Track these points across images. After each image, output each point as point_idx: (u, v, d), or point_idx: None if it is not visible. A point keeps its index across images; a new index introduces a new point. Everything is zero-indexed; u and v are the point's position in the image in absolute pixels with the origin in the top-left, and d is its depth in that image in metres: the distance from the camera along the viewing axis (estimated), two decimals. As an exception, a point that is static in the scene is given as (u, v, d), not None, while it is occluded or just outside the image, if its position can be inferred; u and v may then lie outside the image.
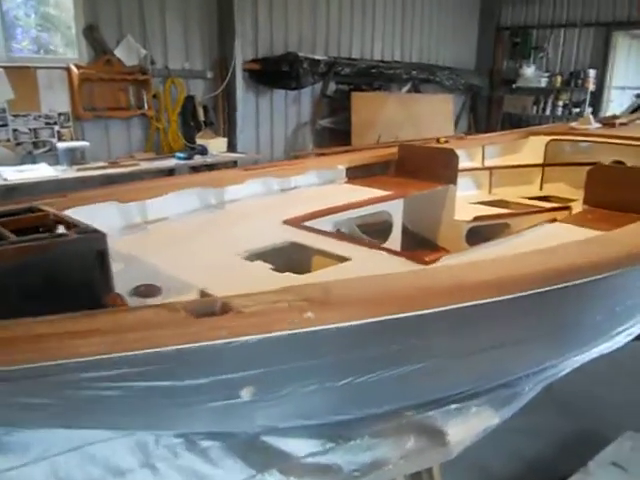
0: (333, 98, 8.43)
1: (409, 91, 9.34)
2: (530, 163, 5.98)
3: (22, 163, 5.56)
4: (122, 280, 2.07)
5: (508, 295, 1.86)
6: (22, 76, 5.57)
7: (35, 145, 5.73)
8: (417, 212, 5.05)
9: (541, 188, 6.01)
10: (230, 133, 7.06)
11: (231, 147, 7.01)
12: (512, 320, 2.04)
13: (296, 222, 3.31)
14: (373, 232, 4.71)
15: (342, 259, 2.72)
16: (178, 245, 2.89)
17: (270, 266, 2.58)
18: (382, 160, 5.20)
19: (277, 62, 7.32)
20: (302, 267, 2.82)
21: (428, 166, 4.91)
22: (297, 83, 7.29)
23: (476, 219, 4.57)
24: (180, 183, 3.60)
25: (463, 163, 5.99)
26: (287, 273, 2.49)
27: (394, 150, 5.20)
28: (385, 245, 4.29)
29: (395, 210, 4.33)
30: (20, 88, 5.56)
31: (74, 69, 5.77)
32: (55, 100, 5.80)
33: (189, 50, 6.81)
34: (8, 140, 5.59)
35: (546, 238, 2.86)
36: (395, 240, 4.37)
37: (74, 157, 5.36)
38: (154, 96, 6.48)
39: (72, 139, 5.88)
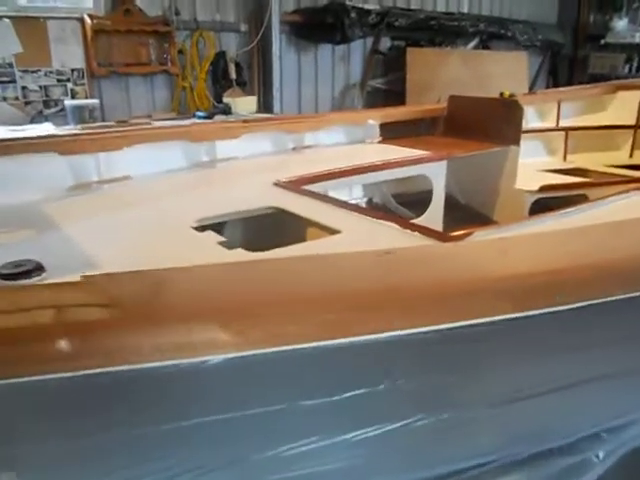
0: (387, 55, 7.49)
1: (476, 47, 8.21)
2: (618, 124, 4.85)
3: (32, 123, 5.07)
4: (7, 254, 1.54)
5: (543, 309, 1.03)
6: (31, 28, 5.06)
7: (46, 104, 5.23)
8: (467, 179, 4.16)
9: (631, 155, 4.91)
10: (265, 92, 6.32)
11: (267, 108, 6.27)
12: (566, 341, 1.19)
13: (290, 185, 2.53)
14: (413, 203, 3.87)
15: (329, 231, 1.94)
16: (123, 212, 2.22)
17: (220, 239, 1.84)
18: (428, 116, 4.30)
19: (321, 13, 6.48)
20: (274, 240, 2.11)
21: (484, 123, 3.98)
22: (342, 36, 6.42)
23: (544, 189, 3.63)
24: (160, 134, 2.90)
25: (532, 123, 4.99)
26: (238, 249, 1.74)
27: (443, 105, 4.29)
28: (422, 219, 3.46)
29: (436, 175, 3.46)
30: (29, 41, 5.05)
31: (88, 20, 5.18)
32: (68, 55, 5.26)
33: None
34: (16, 98, 5.12)
35: (628, 211, 1.98)
36: (435, 213, 3.52)
37: (82, 116, 4.80)
38: (180, 52, 5.83)
39: (87, 97, 5.33)
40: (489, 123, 3.94)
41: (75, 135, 2.77)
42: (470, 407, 1.19)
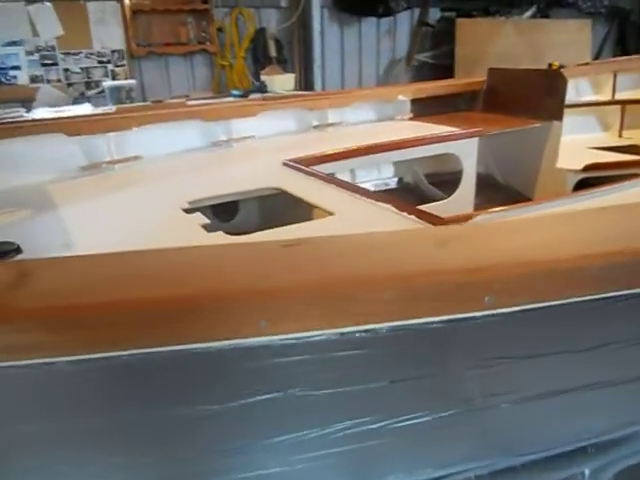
0: (436, 27, 7.16)
1: (534, 16, 7.73)
2: (684, 96, 4.45)
3: (75, 104, 5.17)
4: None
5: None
6: (71, 10, 5.14)
7: (88, 85, 5.32)
8: (506, 157, 3.92)
9: (698, 132, 4.46)
10: (306, 70, 6.19)
11: (307, 85, 6.15)
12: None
13: (299, 165, 2.43)
14: (446, 183, 3.68)
15: (324, 213, 1.84)
16: (121, 193, 2.19)
17: (205, 221, 1.77)
18: (467, 91, 4.05)
19: (363, -16, 6.25)
20: (275, 221, 2.03)
21: (525, 96, 3.72)
22: (385, 8, 6.18)
23: (588, 168, 3.35)
24: (173, 113, 2.85)
25: (585, 96, 4.65)
26: (219, 232, 1.66)
27: (483, 79, 4.03)
28: (451, 200, 3.28)
29: (465, 153, 3.26)
30: (69, 23, 5.15)
31: (127, 0, 5.20)
32: (107, 36, 5.33)
33: (260, -26, 5.98)
34: (59, 80, 5.24)
35: None
36: (465, 193, 3.33)
37: (120, 96, 4.85)
38: (219, 29, 5.77)
39: (127, 78, 5.38)
40: (530, 97, 3.68)
41: (85, 116, 2.76)
42: (432, 412, 1.07)
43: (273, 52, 5.98)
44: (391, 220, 1.72)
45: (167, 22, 5.48)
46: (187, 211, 1.93)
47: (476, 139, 3.26)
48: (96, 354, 0.83)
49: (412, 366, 0.95)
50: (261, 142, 3.03)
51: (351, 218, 1.79)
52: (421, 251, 0.95)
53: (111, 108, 4.83)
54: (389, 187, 3.80)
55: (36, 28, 5.06)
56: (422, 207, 3.20)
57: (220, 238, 1.64)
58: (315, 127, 3.31)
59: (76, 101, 5.29)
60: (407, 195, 3.78)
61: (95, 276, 0.91)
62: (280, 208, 2.21)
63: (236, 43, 5.88)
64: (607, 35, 8.90)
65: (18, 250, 1.59)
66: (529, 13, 7.66)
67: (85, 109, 4.85)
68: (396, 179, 3.85)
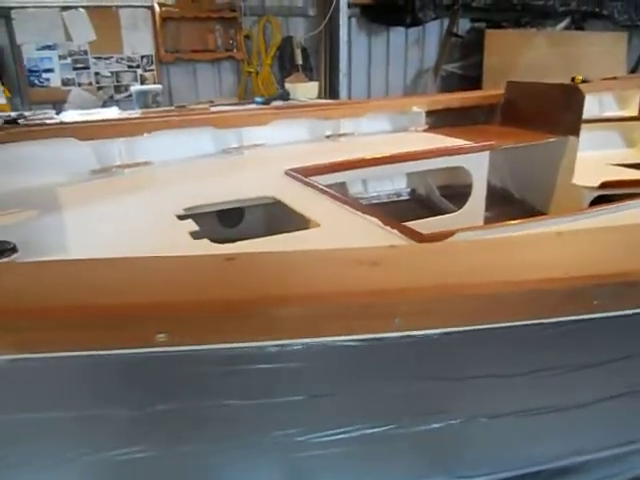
0: (465, 38, 7.13)
1: (567, 28, 7.61)
2: None
3: (104, 107, 5.34)
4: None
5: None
6: (104, 16, 5.31)
7: (117, 89, 5.48)
8: (522, 171, 3.89)
9: None
10: (332, 78, 6.24)
11: (333, 93, 6.20)
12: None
13: (300, 174, 2.47)
14: (459, 195, 3.66)
15: (309, 224, 1.87)
16: (122, 198, 2.27)
17: (193, 229, 1.82)
18: (485, 104, 4.03)
19: (392, -6, 6.26)
20: (268, 229, 2.07)
21: (542, 110, 3.68)
22: (412, 18, 6.18)
23: (605, 185, 3.30)
24: (185, 120, 2.93)
25: (610, 111, 4.58)
26: (204, 240, 1.71)
27: (501, 92, 4.00)
28: (459, 214, 3.27)
29: (475, 167, 3.24)
30: (102, 29, 5.32)
31: (157, 8, 5.35)
32: (138, 42, 5.47)
33: (289, -17, 6.06)
34: (90, 84, 5.42)
35: None
36: (474, 207, 3.31)
37: (146, 100, 4.98)
38: (247, 37, 5.88)
39: (155, 83, 5.53)
40: (547, 111, 3.64)
41: (98, 121, 2.85)
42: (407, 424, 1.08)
43: (299, 60, 6.05)
44: (374, 234, 1.74)
45: (196, 29, 5.60)
46: (181, 217, 1.99)
47: (487, 153, 3.24)
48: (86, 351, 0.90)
49: (330, 382, 0.97)
50: (271, 150, 3.07)
51: (335, 230, 1.81)
52: (345, 271, 0.97)
53: (137, 111, 4.97)
54: (401, 198, 3.81)
55: (70, 33, 5.24)
56: (433, 219, 3.22)
57: (202, 246, 1.69)
58: (328, 137, 3.35)
59: (105, 104, 5.45)
60: (418, 207, 3.79)
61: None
62: (278, 217, 2.26)
63: (263, 51, 5.97)
64: (645, 48, 8.69)
65: (14, 249, 1.68)
66: (562, 25, 7.55)
67: (112, 112, 5.00)
68: (409, 190, 3.86)
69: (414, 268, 0.99)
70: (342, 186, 3.49)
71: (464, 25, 7.27)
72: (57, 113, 4.94)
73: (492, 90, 4.14)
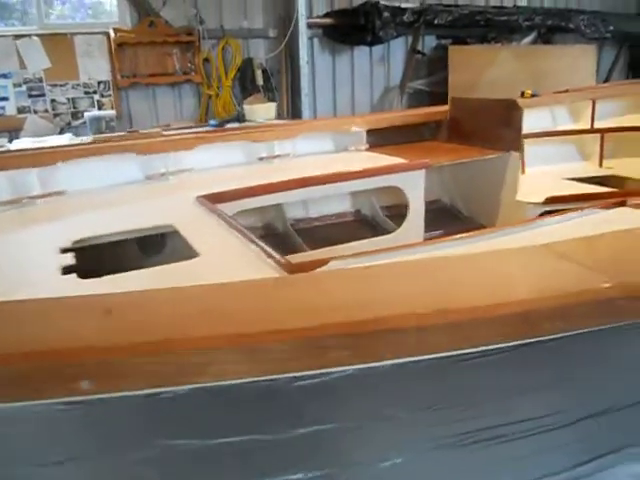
0: (431, 55, 7.13)
1: (534, 42, 7.61)
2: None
3: (61, 134, 5.30)
4: None
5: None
6: (58, 43, 5.31)
7: (74, 116, 5.45)
8: (468, 188, 3.83)
9: (685, 162, 4.29)
10: (294, 98, 6.22)
11: (295, 114, 6.17)
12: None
13: (210, 200, 2.40)
14: (403, 215, 3.60)
15: (190, 255, 1.80)
16: (22, 228, 2.19)
17: (68, 262, 1.75)
18: (431, 120, 3.98)
19: (352, 14, 6.27)
20: (161, 259, 2.00)
21: (483, 126, 3.64)
22: (373, 37, 6.17)
23: (549, 201, 3.24)
24: (104, 148, 2.87)
25: (563, 124, 4.53)
26: (72, 275, 1.64)
27: (446, 109, 3.96)
28: (395, 235, 3.20)
29: (411, 186, 3.18)
30: (56, 56, 5.31)
31: (112, 33, 5.34)
32: (94, 68, 5.47)
33: (248, 6, 6.06)
34: (46, 111, 5.39)
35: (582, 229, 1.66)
36: (412, 227, 3.24)
37: (99, 126, 4.94)
38: (206, 60, 5.86)
39: (112, 108, 5.50)
40: (488, 127, 3.60)
41: (14, 151, 2.80)
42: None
43: (260, 81, 6.03)
44: (250, 266, 1.67)
45: (153, 54, 5.60)
46: (65, 250, 1.92)
47: (422, 172, 3.18)
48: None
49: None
50: (198, 176, 3.02)
51: (210, 262, 1.74)
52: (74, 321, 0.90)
53: (89, 138, 4.94)
54: (345, 219, 3.74)
55: (24, 61, 5.23)
56: (366, 241, 3.14)
57: (68, 282, 1.62)
58: (260, 159, 3.29)
59: (62, 131, 5.42)
60: (362, 227, 3.72)
61: None
62: (175, 247, 2.19)
63: (222, 73, 5.95)
64: (616, 59, 8.69)
65: None
66: (528, 39, 7.55)
67: (65, 139, 4.96)
68: (353, 211, 3.79)
69: (149, 312, 0.92)
70: (278, 208, 3.44)
71: (430, 42, 7.27)
72: (9, 141, 4.90)
73: (437, 107, 4.11)
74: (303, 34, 6.05)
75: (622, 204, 2.27)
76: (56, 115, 5.44)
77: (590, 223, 1.88)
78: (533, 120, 4.23)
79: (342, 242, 2.98)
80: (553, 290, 0.91)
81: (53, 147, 2.87)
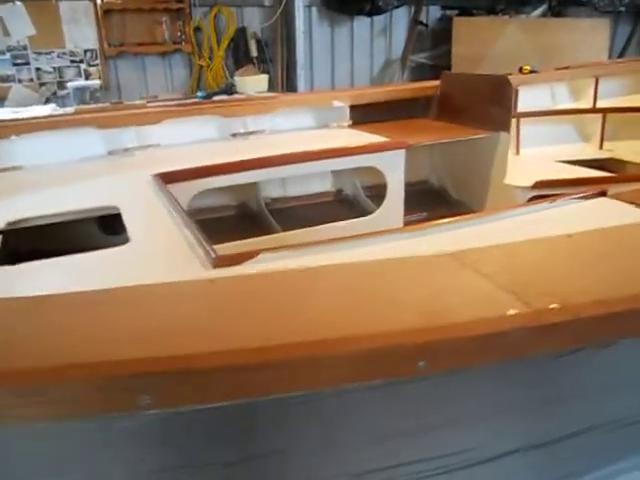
0: (435, 27, 6.86)
1: (544, 15, 7.28)
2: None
3: (47, 104, 5.15)
4: None
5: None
6: (43, 9, 5.12)
7: (60, 85, 5.29)
8: (457, 170, 3.66)
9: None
10: (289, 70, 6.00)
11: (290, 86, 5.97)
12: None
13: (165, 179, 2.26)
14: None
15: (123, 240, 1.67)
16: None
17: None
18: (420, 96, 3.78)
19: (351, -18, 6.00)
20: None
21: (473, 104, 3.44)
22: (372, 6, 5.92)
23: (538, 185, 3.07)
24: (65, 121, 2.73)
25: (563, 103, 4.32)
26: None
27: (436, 84, 3.76)
28: (373, 217, 3.05)
29: (390, 166, 3.01)
30: (41, 23, 5.14)
31: (99, 0, 5.15)
32: (80, 35, 5.28)
33: (242, -28, 5.82)
34: (31, 80, 5.24)
35: (538, 225, 1.54)
36: (390, 210, 3.09)
37: (84, 97, 4.79)
38: (198, 29, 5.65)
39: (100, 78, 5.34)
40: (478, 105, 3.40)
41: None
42: None
43: (254, 52, 5.83)
44: (176, 257, 1.54)
45: (142, 22, 5.40)
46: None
47: (402, 151, 3.00)
48: None
49: None
50: (164, 152, 2.87)
51: (137, 250, 1.61)
52: None
53: (72, 109, 4.79)
54: (326, 199, 3.59)
55: (7, 28, 5.06)
56: (350, 221, 2.99)
57: None
58: (233, 135, 3.13)
59: (48, 101, 5.27)
60: (342, 208, 3.56)
61: None
62: (111, 228, 2.07)
63: (214, 43, 5.74)
64: (631, 35, 8.32)
65: None
66: (538, 12, 7.23)
67: (47, 109, 4.82)
68: (334, 190, 3.63)
69: None
70: (253, 187, 3.29)
71: (435, 13, 6.99)
72: (-10, 111, 4.76)
73: (428, 82, 3.90)
74: (299, 2, 5.80)
75: (602, 194, 2.10)
76: (42, 84, 5.30)
77: (558, 216, 1.71)
78: (530, 98, 4.01)
79: (318, 223, 2.84)
80: (441, 317, 0.76)
81: (7, 120, 2.72)
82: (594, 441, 1.10)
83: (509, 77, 3.47)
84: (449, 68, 6.75)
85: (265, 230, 3.03)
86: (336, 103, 3.42)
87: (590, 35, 7.48)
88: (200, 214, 3.24)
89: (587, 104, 4.20)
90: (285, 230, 2.95)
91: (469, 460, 0.96)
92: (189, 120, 3.03)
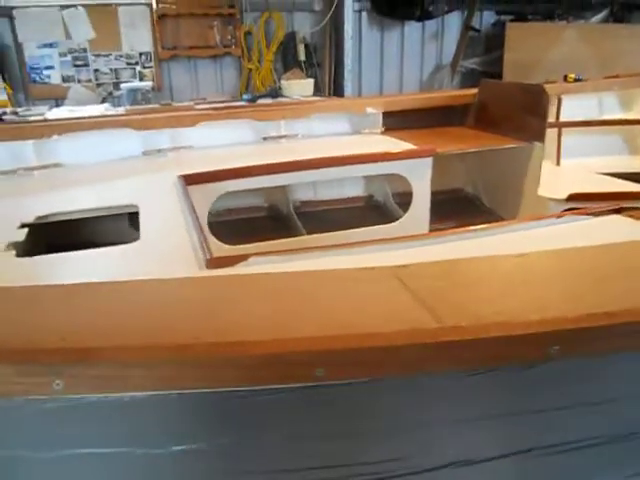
0: (489, 32, 6.74)
1: (605, 21, 7.02)
2: None
3: (103, 103, 5.43)
4: None
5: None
6: (103, 14, 5.39)
7: (116, 86, 5.56)
8: (488, 179, 3.61)
9: None
10: (337, 74, 6.05)
11: (338, 91, 6.02)
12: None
13: (190, 180, 2.36)
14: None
15: (135, 238, 1.77)
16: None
17: (18, 239, 1.77)
18: (457, 104, 3.75)
19: (401, -13, 5.99)
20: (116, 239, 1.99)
21: (509, 113, 3.38)
22: (422, 12, 5.88)
23: (573, 197, 3.00)
24: (99, 123, 2.89)
25: (611, 113, 4.18)
26: (11, 252, 1.65)
27: (474, 92, 3.71)
28: (397, 225, 3.06)
29: (416, 174, 3.01)
30: (101, 27, 5.41)
31: (155, 5, 5.37)
32: (136, 39, 5.53)
33: (294, -23, 5.92)
34: (89, 80, 5.53)
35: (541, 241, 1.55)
36: (416, 217, 3.07)
37: (135, 97, 5.01)
38: (248, 33, 5.79)
39: (153, 80, 5.57)
40: (513, 114, 3.34)
41: (10, 124, 2.86)
42: None
43: (302, 56, 5.91)
44: (177, 257, 1.62)
45: (195, 26, 5.59)
46: (25, 226, 1.93)
47: (429, 159, 2.99)
48: None
49: None
50: (196, 153, 2.98)
51: (141, 248, 1.70)
52: None
53: (125, 108, 5.02)
54: (356, 204, 3.61)
55: (69, 31, 5.36)
56: (374, 228, 3.01)
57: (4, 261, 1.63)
58: (264, 139, 3.21)
59: (104, 100, 5.54)
60: (372, 213, 3.57)
61: None
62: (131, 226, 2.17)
63: (264, 47, 5.87)
64: (702, 41, 7.88)
65: None
66: (599, 17, 6.97)
67: (101, 109, 5.07)
68: (365, 196, 3.64)
69: None
70: (282, 190, 3.36)
71: (489, 18, 6.87)
72: (49, 109, 5.06)
73: (466, 90, 3.85)
74: (349, 7, 5.84)
75: (617, 211, 2.04)
76: (99, 85, 5.57)
77: (556, 233, 1.68)
78: (575, 107, 3.91)
79: (346, 227, 2.87)
80: (340, 328, 0.79)
81: (50, 120, 2.90)
82: (560, 459, 1.10)
83: (547, 86, 3.39)
84: (500, 74, 6.62)
85: (291, 232, 3.08)
86: (369, 109, 3.44)
87: (655, 41, 7.16)
88: (231, 214, 3.34)
89: (637, 114, 4.04)
90: (310, 233, 3.00)
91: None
92: (223, 124, 3.12)
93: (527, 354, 0.80)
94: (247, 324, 0.87)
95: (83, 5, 5.31)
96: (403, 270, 1.00)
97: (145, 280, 1.22)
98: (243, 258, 1.49)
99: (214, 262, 1.49)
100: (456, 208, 3.64)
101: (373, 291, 0.95)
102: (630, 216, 1.98)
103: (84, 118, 3.11)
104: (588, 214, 1.91)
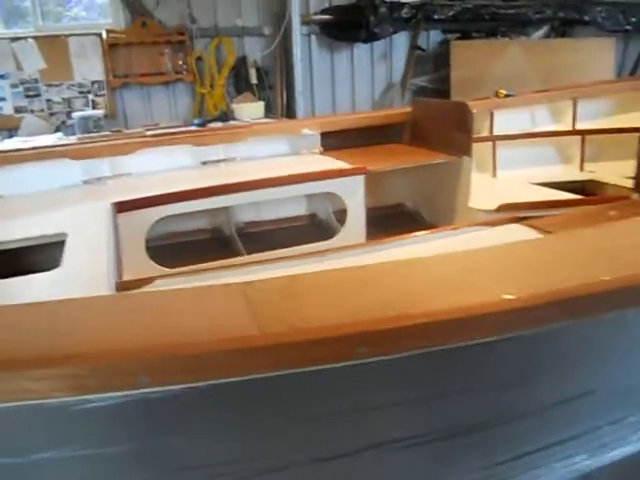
0: (435, 51, 6.98)
1: (547, 36, 7.32)
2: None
3: (56, 132, 5.49)
4: None
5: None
6: (53, 45, 5.48)
7: (69, 115, 5.62)
8: (424, 194, 3.77)
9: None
10: (289, 96, 6.21)
11: (290, 112, 6.17)
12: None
13: (123, 207, 2.45)
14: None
15: (53, 265, 1.85)
16: None
17: None
18: (392, 122, 3.90)
19: (348, 10, 6.20)
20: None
21: (439, 129, 3.55)
22: (368, 33, 6.08)
23: (502, 208, 3.14)
24: (41, 153, 2.96)
25: (543, 125, 4.39)
26: None
27: (408, 110, 3.88)
28: (331, 242, 3.17)
29: (349, 192, 3.13)
30: (52, 57, 5.49)
31: (105, 35, 5.47)
32: (88, 68, 5.62)
33: (242, 4, 6.08)
34: (42, 110, 5.58)
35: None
36: (350, 235, 3.18)
37: (87, 126, 5.08)
38: (200, 58, 5.92)
39: (106, 108, 5.64)
40: (443, 130, 3.50)
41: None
42: None
43: (254, 79, 6.05)
44: (89, 283, 1.70)
45: (146, 53, 5.70)
46: None
47: (361, 177, 3.12)
48: None
49: None
50: (135, 180, 3.07)
51: (59, 275, 1.77)
52: None
53: (77, 137, 5.09)
54: (299, 223, 3.72)
55: (20, 62, 5.42)
56: (310, 245, 3.11)
57: None
58: (203, 163, 3.31)
59: (58, 129, 5.60)
60: (316, 231, 3.69)
61: None
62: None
63: (215, 72, 6.00)
64: (640, 55, 8.25)
65: None
66: (540, 33, 7.27)
67: (53, 139, 5.13)
68: (309, 214, 3.76)
69: None
70: (225, 212, 3.46)
71: (436, 37, 7.11)
72: (2, 140, 5.10)
73: (400, 109, 4.02)
74: (297, 31, 6.02)
75: (516, 221, 2.18)
76: (52, 114, 5.63)
77: (446, 243, 1.81)
78: (508, 121, 4.10)
79: (286, 246, 2.97)
80: (170, 336, 0.90)
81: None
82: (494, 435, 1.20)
83: (478, 102, 3.57)
84: (449, 91, 6.85)
85: (232, 253, 3.18)
86: (305, 131, 3.57)
87: (596, 54, 7.48)
88: (175, 237, 3.43)
89: (567, 126, 4.25)
90: (250, 253, 3.10)
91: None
92: (162, 150, 3.22)
93: (336, 354, 0.90)
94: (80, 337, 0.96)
95: (33, 37, 5.40)
96: (251, 285, 1.11)
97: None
98: (150, 281, 1.58)
99: (122, 285, 1.58)
100: (396, 223, 3.77)
101: (214, 305, 1.06)
102: (528, 225, 2.12)
103: (23, 150, 3.18)
104: (487, 224, 2.05)
